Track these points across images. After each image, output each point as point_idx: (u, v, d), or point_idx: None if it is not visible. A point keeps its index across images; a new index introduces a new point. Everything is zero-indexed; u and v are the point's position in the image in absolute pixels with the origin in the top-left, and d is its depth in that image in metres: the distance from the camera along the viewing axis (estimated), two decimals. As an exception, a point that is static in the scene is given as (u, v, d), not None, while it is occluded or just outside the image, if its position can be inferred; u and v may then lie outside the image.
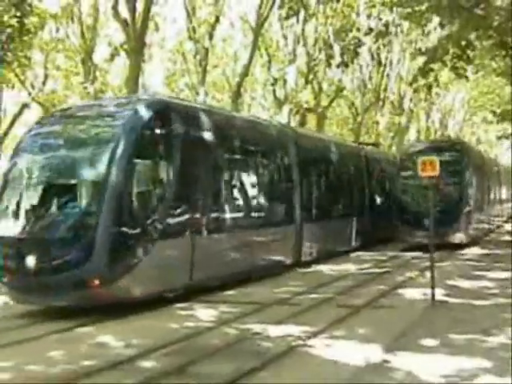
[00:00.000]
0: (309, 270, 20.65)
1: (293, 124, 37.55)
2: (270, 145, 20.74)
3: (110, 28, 37.59)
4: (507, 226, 39.58)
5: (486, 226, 33.01)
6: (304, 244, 21.43)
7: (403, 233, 26.69)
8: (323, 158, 25.36)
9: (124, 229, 13.35)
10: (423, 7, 24.07)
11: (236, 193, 18.14)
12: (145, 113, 14.59)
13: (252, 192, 18.99)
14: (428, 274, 14.85)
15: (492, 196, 35.55)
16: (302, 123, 40.67)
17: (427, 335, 10.70)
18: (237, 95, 36.09)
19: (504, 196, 41.65)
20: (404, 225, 26.43)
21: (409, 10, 24.84)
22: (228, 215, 17.24)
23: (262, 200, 19.48)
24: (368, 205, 28.97)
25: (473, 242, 27.52)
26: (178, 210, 14.92)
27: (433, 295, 13.89)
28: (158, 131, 14.71)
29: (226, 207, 17.35)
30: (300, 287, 16.65)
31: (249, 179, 19.00)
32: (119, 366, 9.25)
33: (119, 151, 13.51)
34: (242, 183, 18.45)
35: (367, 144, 35.68)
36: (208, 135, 16.69)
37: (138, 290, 13.53)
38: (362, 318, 12.74)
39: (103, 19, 38.36)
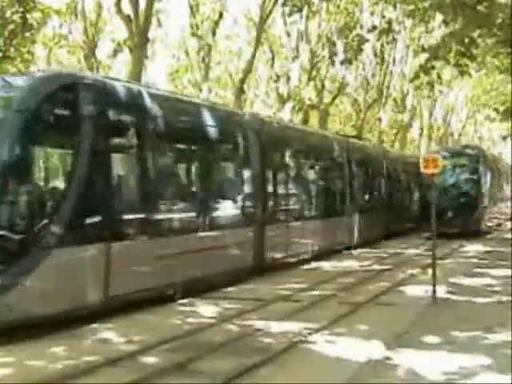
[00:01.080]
0: (310, 266, 20.65)
1: (296, 121, 37.55)
2: (217, 132, 16.87)
3: (113, 24, 37.63)
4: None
5: (497, 219, 37.92)
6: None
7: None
8: (295, 151, 22.09)
9: (7, 233, 10.76)
10: (426, 4, 24.02)
11: (172, 188, 15.42)
12: (43, 88, 11.90)
13: (191, 187, 16.62)
14: (430, 271, 14.84)
15: (502, 194, 40.63)
16: (305, 120, 40.68)
17: (429, 332, 10.70)
18: (240, 92, 36.08)
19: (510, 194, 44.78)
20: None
21: (412, 7, 24.79)
22: (161, 215, 14.29)
23: (207, 197, 16.31)
24: (355, 203, 27.14)
25: (486, 231, 32.90)
26: (87, 211, 12.08)
27: (434, 292, 13.89)
28: (60, 111, 11.89)
29: (158, 205, 14.37)
30: (302, 284, 16.63)
31: (188, 173, 16.86)
32: (121, 362, 9.25)
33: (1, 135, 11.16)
34: (178, 177, 16.17)
35: (350, 136, 33.17)
36: (132, 118, 13.75)
37: (22, 311, 10.71)
38: (364, 315, 12.73)
39: (106, 15, 38.40)
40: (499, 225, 37.96)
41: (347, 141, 28.53)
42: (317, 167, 24.55)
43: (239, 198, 17.88)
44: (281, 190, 20.64)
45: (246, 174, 18.30)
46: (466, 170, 32.59)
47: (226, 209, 17.14)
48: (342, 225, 25.48)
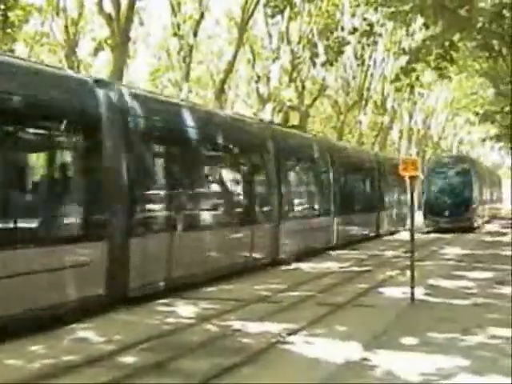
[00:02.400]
0: (290, 267, 20.68)
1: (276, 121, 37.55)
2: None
3: (95, 23, 37.53)
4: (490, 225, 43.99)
5: (485, 217, 44.67)
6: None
7: (429, 220, 38.22)
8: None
9: None
10: (407, 7, 24.15)
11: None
12: None
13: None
14: (408, 273, 14.91)
15: (488, 197, 48.16)
16: (285, 121, 40.72)
17: (407, 334, 10.74)
18: (220, 92, 36.08)
19: (495, 196, 54.87)
20: (430, 214, 38.15)
21: (393, 9, 24.91)
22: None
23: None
24: (280, 210, 21.47)
25: (476, 227, 38.87)
26: None
27: (412, 294, 13.95)
28: None
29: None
30: (280, 285, 16.66)
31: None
32: (99, 362, 9.24)
33: None
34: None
35: (278, 124, 28.94)
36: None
37: None
38: (342, 316, 12.77)
39: (88, 14, 38.24)
40: (486, 222, 44.69)
41: (271, 128, 23.18)
42: (219, 163, 19.04)
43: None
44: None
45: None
46: (460, 177, 38.92)
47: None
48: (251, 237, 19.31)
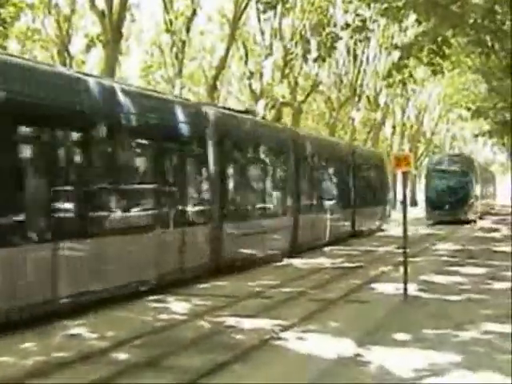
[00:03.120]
0: (282, 264, 20.68)
1: (269, 118, 37.52)
2: None
3: (87, 19, 37.45)
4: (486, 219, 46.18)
5: (481, 211, 47.72)
6: None
7: (431, 213, 42.55)
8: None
9: None
10: (400, 3, 24.11)
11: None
12: None
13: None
14: (401, 268, 14.92)
15: (484, 192, 51.77)
16: (278, 117, 40.69)
17: (399, 330, 10.75)
18: (213, 88, 36.03)
19: (489, 193, 58.36)
20: (431, 208, 42.49)
21: (385, 5, 24.86)
22: None
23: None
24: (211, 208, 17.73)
25: (473, 220, 42.53)
26: None
27: (405, 290, 13.96)
28: None
29: None
30: (273, 281, 16.67)
31: None
32: (92, 358, 9.23)
33: None
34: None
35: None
36: None
37: None
38: (335, 313, 12.79)
39: (80, 10, 38.14)
40: (480, 217, 46.97)
41: (213, 111, 19.12)
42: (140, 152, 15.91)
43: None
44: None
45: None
46: (459, 175, 43.01)
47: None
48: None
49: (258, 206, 21.19)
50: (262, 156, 22.12)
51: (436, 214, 41.87)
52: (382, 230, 34.89)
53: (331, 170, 29.50)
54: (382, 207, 36.80)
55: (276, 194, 22.83)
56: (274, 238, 21.46)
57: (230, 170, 19.51)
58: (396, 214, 48.61)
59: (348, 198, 30.53)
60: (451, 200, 41.42)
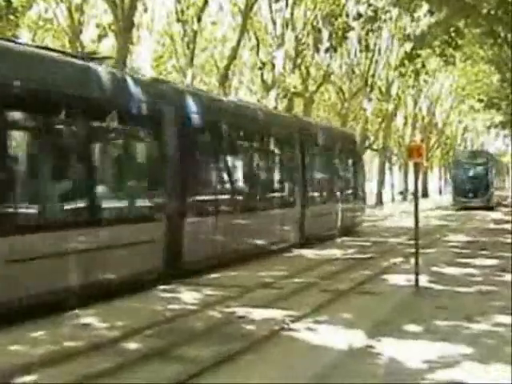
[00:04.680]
0: (293, 254, 20.68)
1: (280, 108, 37.45)
2: None
3: (99, 9, 37.42)
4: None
5: (498, 199, 54.24)
6: None
7: (457, 200, 50.40)
8: None
9: None
10: (412, -7, 24.06)
11: None
12: None
13: None
14: (412, 260, 14.88)
15: (500, 184, 58.44)
16: (289, 108, 40.63)
17: (411, 321, 10.73)
18: (224, 78, 35.99)
19: (507, 184, 65.75)
20: (457, 196, 50.56)
21: (398, -5, 24.81)
22: None
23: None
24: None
25: (493, 207, 48.68)
26: None
27: (417, 281, 13.93)
28: None
29: None
30: (284, 271, 16.65)
31: None
32: (102, 348, 9.23)
33: None
34: None
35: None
36: None
37: None
38: (346, 304, 12.76)
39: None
40: (499, 204, 52.84)
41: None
42: None
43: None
44: None
45: None
46: (481, 166, 50.52)
47: None
48: None
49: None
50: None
51: (462, 200, 49.61)
52: (352, 233, 27.46)
53: (264, 153, 21.58)
54: (353, 203, 29.28)
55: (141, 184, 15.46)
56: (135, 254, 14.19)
57: None
58: (404, 206, 48.75)
59: (293, 192, 22.79)
60: (475, 189, 49.02)
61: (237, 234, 18.17)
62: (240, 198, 19.39)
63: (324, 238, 24.39)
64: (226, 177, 18.73)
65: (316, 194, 25.39)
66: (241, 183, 19.84)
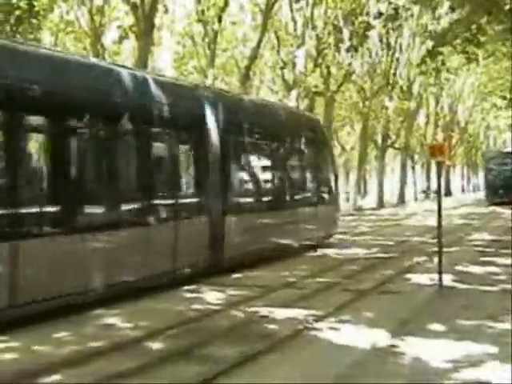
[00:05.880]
0: (316, 254, 20.67)
1: (301, 108, 37.40)
2: None
3: (120, 11, 37.53)
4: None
5: None
6: None
7: (489, 197, 54.94)
8: None
9: None
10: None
11: None
12: None
13: None
14: (435, 259, 14.83)
15: None
16: (311, 107, 40.59)
17: (434, 320, 10.68)
18: (245, 78, 36.01)
19: None
20: (489, 192, 55.42)
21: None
22: None
23: None
24: None
25: None
26: None
27: (440, 280, 13.87)
28: None
29: None
30: (307, 271, 16.66)
31: None
32: (126, 348, 9.27)
33: None
34: None
35: None
36: None
37: None
38: (369, 303, 12.72)
39: (113, 1, 38.25)
40: None
41: None
42: None
43: None
44: None
45: None
46: (510, 165, 52.98)
47: None
48: None
49: None
50: None
51: (493, 197, 53.53)
52: (316, 249, 21.69)
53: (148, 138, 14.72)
54: (318, 208, 22.80)
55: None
56: None
57: None
58: (427, 204, 48.56)
59: (201, 194, 16.19)
60: (506, 186, 51.75)
61: None
62: None
63: (265, 256, 18.11)
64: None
65: (249, 197, 18.60)
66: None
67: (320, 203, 23.12)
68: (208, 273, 15.52)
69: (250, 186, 19.27)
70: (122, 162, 13.96)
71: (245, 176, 18.93)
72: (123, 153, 14.00)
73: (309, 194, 22.68)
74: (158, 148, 15.05)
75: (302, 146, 22.76)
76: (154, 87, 15.01)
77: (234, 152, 18.04)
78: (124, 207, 13.50)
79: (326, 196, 24.12)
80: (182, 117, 15.68)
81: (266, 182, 20.11)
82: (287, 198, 21.01)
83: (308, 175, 23.14)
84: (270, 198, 19.81)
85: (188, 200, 15.78)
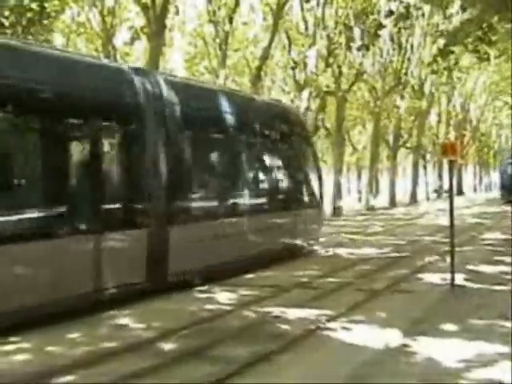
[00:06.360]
0: (328, 254, 20.66)
1: (312, 107, 37.39)
2: None
3: (131, 12, 37.62)
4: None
5: None
6: None
7: (504, 195, 55.74)
8: None
9: None
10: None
11: None
12: None
13: None
14: (448, 258, 14.80)
15: None
16: (322, 107, 40.55)
17: (447, 320, 10.67)
18: (257, 79, 36.02)
19: None
20: (505, 191, 56.38)
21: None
22: None
23: None
24: None
25: None
26: None
27: (452, 280, 13.85)
28: None
29: None
30: (319, 271, 16.65)
31: None
32: (139, 348, 9.30)
33: None
34: None
35: None
36: None
37: None
38: (382, 303, 12.72)
39: (124, 2, 38.33)
40: None
41: None
42: None
43: None
44: None
45: None
46: None
47: None
48: None
49: None
50: None
51: (508, 195, 53.75)
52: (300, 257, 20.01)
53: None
54: (291, 213, 19.96)
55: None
56: None
57: None
58: (439, 204, 48.48)
59: (138, 200, 13.59)
60: None
61: None
62: None
63: (220, 273, 15.34)
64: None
65: (202, 202, 16.02)
66: None
67: (298, 207, 20.45)
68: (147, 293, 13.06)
69: (203, 188, 16.34)
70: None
71: (195, 177, 15.94)
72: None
73: (282, 197, 19.62)
74: (73, 144, 12.19)
75: (273, 141, 19.77)
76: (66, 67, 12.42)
77: (184, 148, 15.40)
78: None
79: (305, 199, 21.48)
80: (106, 105, 13.13)
81: (226, 183, 17.13)
82: (255, 201, 18.01)
83: (281, 175, 20.05)
84: (231, 202, 16.96)
85: (114, 206, 12.74)
